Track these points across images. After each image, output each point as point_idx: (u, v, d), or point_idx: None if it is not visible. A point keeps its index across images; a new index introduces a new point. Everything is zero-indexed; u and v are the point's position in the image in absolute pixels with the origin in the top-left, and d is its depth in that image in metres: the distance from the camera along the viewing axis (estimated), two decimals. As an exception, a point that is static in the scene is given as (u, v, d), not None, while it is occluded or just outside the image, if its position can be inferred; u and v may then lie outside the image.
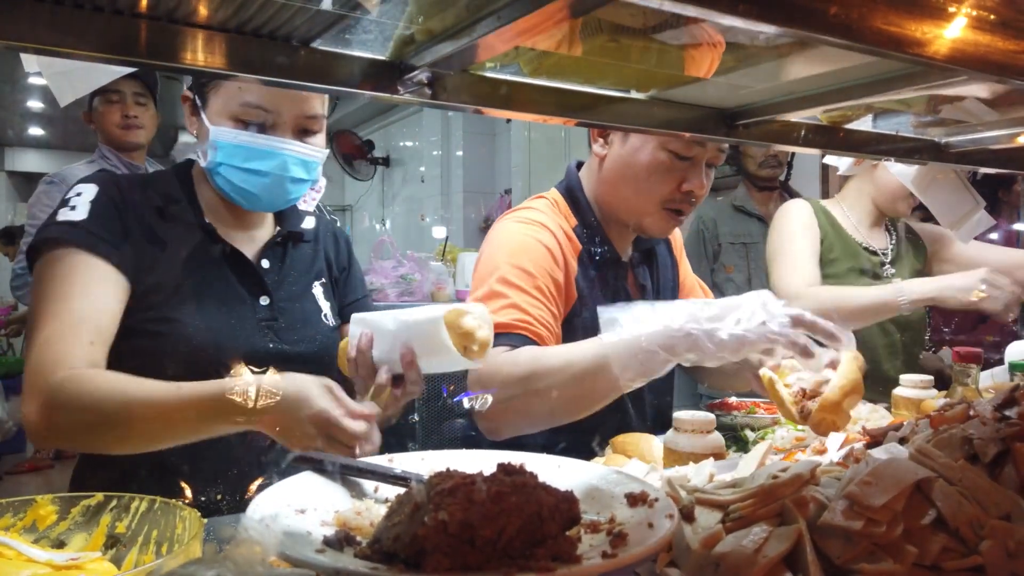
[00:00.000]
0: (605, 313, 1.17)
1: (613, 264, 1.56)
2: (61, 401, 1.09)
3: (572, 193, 1.58)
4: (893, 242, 2.24)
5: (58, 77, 0.92)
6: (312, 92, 1.26)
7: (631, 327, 1.14)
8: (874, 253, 2.19)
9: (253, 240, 1.39)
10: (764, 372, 1.30)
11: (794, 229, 2.16)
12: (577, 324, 1.45)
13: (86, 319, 1.15)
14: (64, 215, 1.21)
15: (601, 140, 1.54)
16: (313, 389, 1.04)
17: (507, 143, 4.51)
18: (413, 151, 5.45)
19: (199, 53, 0.72)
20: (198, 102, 1.28)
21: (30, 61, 1.13)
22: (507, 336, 1.30)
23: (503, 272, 1.39)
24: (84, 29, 0.68)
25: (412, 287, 3.80)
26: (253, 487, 0.78)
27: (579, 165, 1.66)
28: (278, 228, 1.43)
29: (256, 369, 1.15)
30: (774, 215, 2.27)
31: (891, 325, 2.20)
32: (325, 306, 1.43)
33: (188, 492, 1.07)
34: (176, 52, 0.71)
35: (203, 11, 0.69)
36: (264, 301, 1.34)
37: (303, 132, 1.30)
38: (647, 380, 1.17)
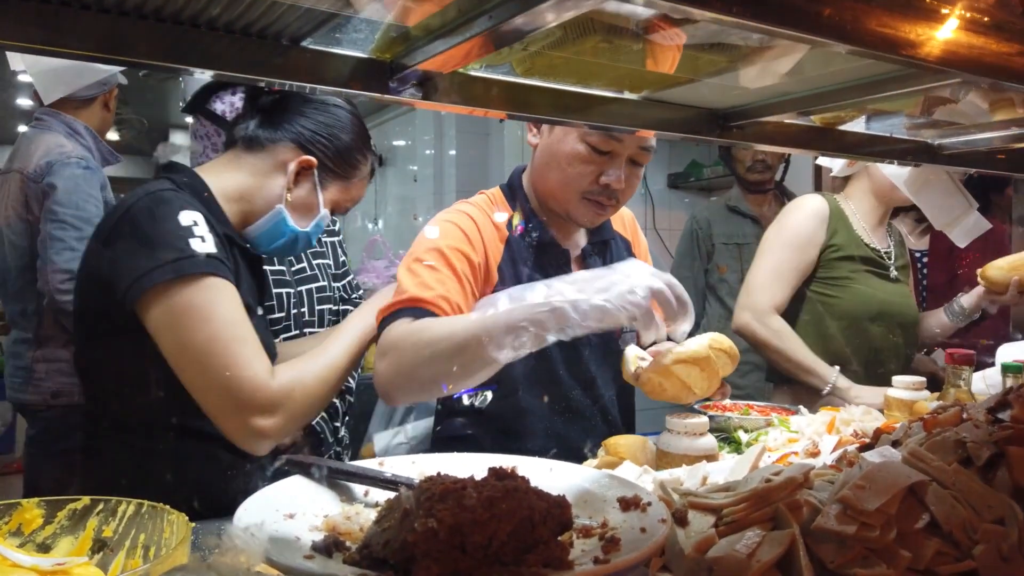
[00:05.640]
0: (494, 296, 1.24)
1: (553, 251, 1.60)
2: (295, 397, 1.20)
3: (511, 186, 1.65)
4: (893, 245, 2.28)
5: (43, 75, 0.90)
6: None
7: (506, 304, 1.20)
8: (880, 255, 2.22)
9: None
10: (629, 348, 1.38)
11: (795, 233, 2.17)
12: None
13: (255, 337, 1.24)
14: (199, 246, 1.22)
15: (535, 129, 1.59)
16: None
17: (501, 143, 4.48)
18: (406, 150, 5.42)
19: (187, 52, 0.71)
20: (317, 180, 1.39)
21: (15, 58, 1.12)
22: (410, 310, 1.36)
23: (419, 254, 1.48)
24: (71, 28, 0.67)
25: (404, 287, 3.78)
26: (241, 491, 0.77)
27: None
28: None
29: None
30: (787, 206, 2.28)
31: (884, 326, 2.20)
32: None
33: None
34: (164, 51, 0.70)
35: (191, 9, 0.68)
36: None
37: None
38: (521, 355, 1.17)
